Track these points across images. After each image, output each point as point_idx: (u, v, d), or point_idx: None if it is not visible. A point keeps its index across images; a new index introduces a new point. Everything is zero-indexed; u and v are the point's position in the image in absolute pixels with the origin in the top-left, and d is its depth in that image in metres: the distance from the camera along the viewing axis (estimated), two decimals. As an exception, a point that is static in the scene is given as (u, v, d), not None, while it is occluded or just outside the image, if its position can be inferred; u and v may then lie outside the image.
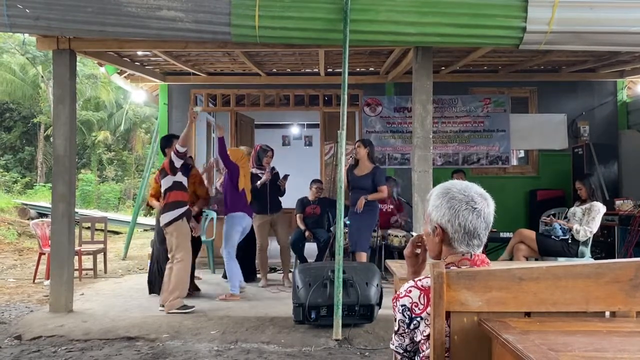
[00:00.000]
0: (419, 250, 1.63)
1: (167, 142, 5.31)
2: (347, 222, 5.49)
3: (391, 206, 6.67)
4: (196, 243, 5.89)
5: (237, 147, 7.19)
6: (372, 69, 7.21)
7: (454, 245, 1.45)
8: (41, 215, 11.77)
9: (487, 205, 1.45)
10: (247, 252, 6.12)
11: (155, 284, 5.53)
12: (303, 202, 6.76)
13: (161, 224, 4.97)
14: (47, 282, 6.19)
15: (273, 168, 6.21)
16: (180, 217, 4.88)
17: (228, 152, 5.48)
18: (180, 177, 4.98)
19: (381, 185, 5.39)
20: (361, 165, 5.50)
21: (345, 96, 4.37)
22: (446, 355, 1.33)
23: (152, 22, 4.29)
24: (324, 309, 4.29)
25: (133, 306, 5.19)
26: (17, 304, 5.63)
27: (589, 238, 5.08)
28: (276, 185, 6.13)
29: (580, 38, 4.32)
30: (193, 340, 4.23)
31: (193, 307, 4.88)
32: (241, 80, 7.40)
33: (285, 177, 6.33)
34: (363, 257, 5.40)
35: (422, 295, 1.41)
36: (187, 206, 5.05)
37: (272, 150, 6.13)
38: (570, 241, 5.08)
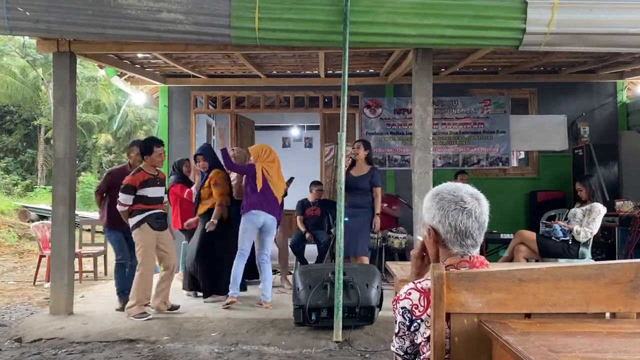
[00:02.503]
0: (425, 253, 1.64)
1: (149, 144, 4.95)
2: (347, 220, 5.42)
3: (385, 204, 6.63)
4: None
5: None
6: (372, 70, 7.22)
7: (448, 246, 1.46)
8: (41, 217, 11.78)
9: (479, 205, 1.45)
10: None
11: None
12: (303, 204, 6.76)
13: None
14: (47, 285, 6.19)
15: None
16: (141, 222, 4.80)
17: (249, 150, 5.38)
18: (143, 192, 4.80)
19: (376, 187, 5.38)
20: (358, 166, 5.50)
21: (345, 98, 4.37)
22: (446, 357, 1.33)
23: (152, 25, 4.29)
24: (324, 311, 4.29)
25: (133, 308, 5.18)
26: (18, 306, 5.64)
27: (590, 239, 5.07)
28: None
29: (580, 39, 4.32)
30: (193, 342, 4.23)
31: (149, 315, 4.77)
32: (241, 82, 7.41)
33: (290, 179, 6.33)
34: (364, 261, 5.38)
35: (422, 298, 1.41)
36: (150, 212, 4.84)
37: None
38: (570, 242, 5.08)
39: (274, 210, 5.24)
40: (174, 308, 5.02)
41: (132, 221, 4.83)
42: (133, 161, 5.28)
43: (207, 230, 5.33)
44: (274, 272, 6.81)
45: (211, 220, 5.32)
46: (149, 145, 4.91)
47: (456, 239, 1.44)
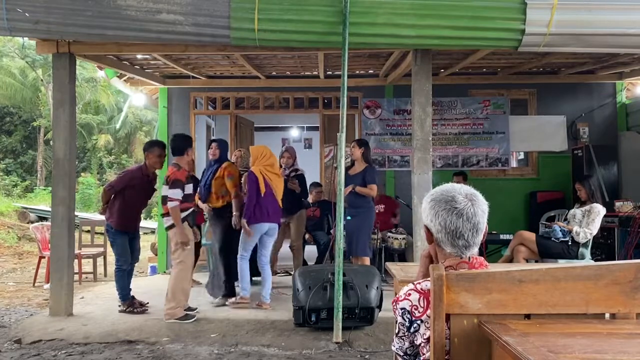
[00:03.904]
0: None
1: (185, 142, 5.00)
2: (349, 218, 5.41)
3: (383, 205, 6.65)
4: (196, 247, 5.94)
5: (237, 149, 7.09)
6: (372, 71, 7.22)
7: (442, 246, 1.48)
8: (41, 218, 11.77)
9: (472, 206, 1.44)
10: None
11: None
12: (303, 205, 6.75)
13: (165, 226, 4.88)
14: (47, 286, 6.19)
15: (296, 170, 6.22)
16: (182, 221, 4.77)
17: (250, 150, 5.38)
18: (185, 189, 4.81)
19: (371, 184, 5.36)
20: (356, 166, 5.52)
21: (345, 99, 4.37)
22: (446, 357, 1.33)
23: (152, 26, 4.29)
24: (324, 312, 4.29)
25: (133, 309, 5.18)
26: (17, 307, 5.63)
27: (589, 240, 5.07)
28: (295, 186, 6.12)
29: (579, 40, 4.32)
30: (193, 343, 4.22)
31: (194, 316, 4.76)
32: (241, 83, 7.41)
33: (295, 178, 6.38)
34: (366, 261, 5.38)
35: (421, 298, 1.41)
36: (189, 210, 4.88)
37: (287, 150, 6.21)
38: (570, 243, 5.08)
39: (277, 217, 5.25)
40: (191, 310, 4.93)
41: (168, 221, 4.74)
42: (152, 162, 5.17)
43: (234, 226, 5.23)
44: (287, 273, 6.81)
45: (234, 214, 5.21)
46: (189, 143, 5.02)
47: (447, 238, 1.45)
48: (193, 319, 4.71)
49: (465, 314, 1.32)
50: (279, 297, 5.63)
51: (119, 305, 5.12)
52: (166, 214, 4.78)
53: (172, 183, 4.67)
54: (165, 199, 4.73)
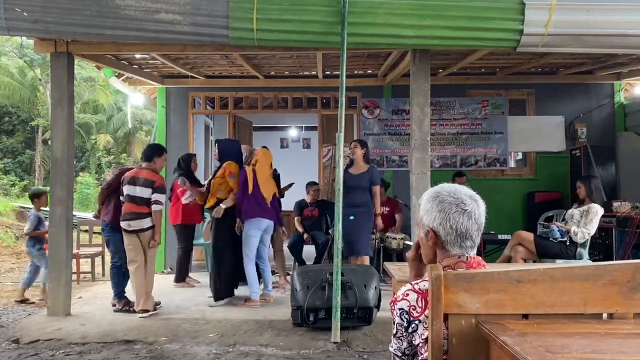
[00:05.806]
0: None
1: (155, 151, 5.18)
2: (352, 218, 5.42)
3: (387, 208, 6.65)
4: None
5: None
6: (370, 71, 7.22)
7: (447, 248, 1.46)
8: (39, 218, 11.73)
9: (478, 207, 1.46)
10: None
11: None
12: (301, 205, 6.76)
13: (137, 227, 4.87)
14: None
15: (275, 170, 6.22)
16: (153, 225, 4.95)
17: (261, 152, 5.48)
18: None
19: (375, 186, 5.42)
20: (356, 165, 5.53)
21: (343, 99, 4.37)
22: (444, 357, 1.33)
23: (150, 25, 4.29)
24: (322, 312, 4.29)
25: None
26: (15, 307, 5.62)
27: (587, 240, 5.08)
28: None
29: (577, 40, 4.33)
30: (191, 343, 4.22)
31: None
32: (239, 83, 7.41)
33: (290, 185, 6.33)
34: (365, 260, 5.39)
35: (419, 299, 1.41)
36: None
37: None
38: (568, 243, 5.08)
39: (271, 214, 5.36)
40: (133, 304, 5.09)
41: (149, 222, 4.90)
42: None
43: (214, 216, 5.31)
44: (273, 273, 6.83)
45: (220, 205, 5.26)
46: (158, 152, 5.15)
47: (456, 240, 1.45)
48: (160, 306, 5.10)
49: (463, 314, 1.32)
50: (277, 296, 5.63)
51: (113, 305, 5.15)
52: (145, 215, 4.87)
53: (161, 188, 4.94)
54: (147, 201, 4.87)
